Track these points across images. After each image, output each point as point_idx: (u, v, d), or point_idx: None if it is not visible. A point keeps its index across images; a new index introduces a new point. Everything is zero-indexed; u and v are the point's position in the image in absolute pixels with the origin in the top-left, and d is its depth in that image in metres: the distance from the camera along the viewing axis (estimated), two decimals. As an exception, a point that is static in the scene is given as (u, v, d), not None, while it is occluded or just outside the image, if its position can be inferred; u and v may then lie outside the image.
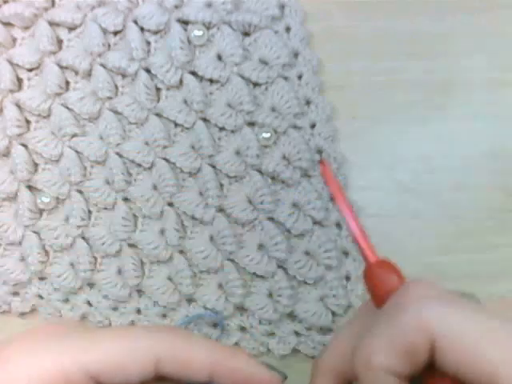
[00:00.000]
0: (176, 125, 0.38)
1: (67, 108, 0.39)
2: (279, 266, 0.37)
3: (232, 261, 0.37)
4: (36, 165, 0.39)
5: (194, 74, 0.38)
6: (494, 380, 0.20)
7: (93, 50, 0.38)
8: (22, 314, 0.39)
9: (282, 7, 0.39)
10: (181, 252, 0.38)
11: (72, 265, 0.39)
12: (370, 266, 0.26)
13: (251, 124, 0.38)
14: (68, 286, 0.38)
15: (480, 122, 0.39)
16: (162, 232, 0.38)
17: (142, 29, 0.38)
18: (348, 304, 0.37)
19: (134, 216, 0.38)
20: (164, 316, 0.38)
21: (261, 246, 0.37)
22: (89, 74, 0.39)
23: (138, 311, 0.38)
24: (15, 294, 0.39)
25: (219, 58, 0.38)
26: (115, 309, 0.38)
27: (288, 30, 0.39)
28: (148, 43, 0.39)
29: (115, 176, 0.38)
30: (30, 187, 0.39)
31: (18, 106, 0.39)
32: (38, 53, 0.39)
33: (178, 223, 0.38)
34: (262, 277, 0.37)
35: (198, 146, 0.38)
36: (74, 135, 0.39)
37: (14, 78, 0.39)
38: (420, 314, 0.22)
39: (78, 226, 0.38)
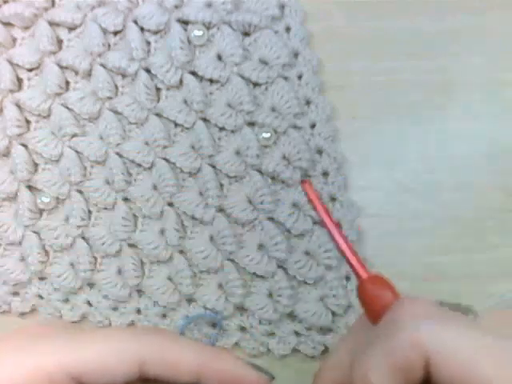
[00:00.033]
0: (176, 125, 0.38)
1: (67, 108, 0.39)
2: (279, 266, 0.37)
3: (232, 261, 0.37)
4: (36, 165, 0.39)
5: (194, 74, 0.38)
6: None
7: (93, 50, 0.38)
8: (22, 314, 0.39)
9: (282, 7, 0.39)
10: (181, 252, 0.38)
11: (72, 265, 0.39)
12: (363, 283, 0.26)
13: (251, 124, 0.38)
14: (68, 286, 0.38)
15: (480, 122, 0.39)
16: (162, 232, 0.38)
17: (142, 29, 0.38)
18: (348, 304, 0.37)
19: (134, 216, 0.38)
20: (164, 316, 0.38)
21: (261, 246, 0.37)
22: (89, 74, 0.39)
23: (138, 311, 0.38)
24: (15, 294, 0.39)
25: (219, 58, 0.38)
26: (115, 309, 0.38)
27: (288, 30, 0.39)
28: (148, 43, 0.39)
29: (115, 176, 0.38)
30: (30, 187, 0.39)
31: (18, 106, 0.39)
32: (38, 53, 0.39)
33: (178, 223, 0.38)
34: (262, 277, 0.37)
35: (198, 146, 0.38)
36: (74, 135, 0.39)
37: (14, 78, 0.39)
38: (414, 332, 0.22)
39: (78, 226, 0.38)
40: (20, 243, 0.39)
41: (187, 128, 0.38)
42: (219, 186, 0.38)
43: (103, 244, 0.38)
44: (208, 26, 0.38)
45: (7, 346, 0.23)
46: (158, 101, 0.39)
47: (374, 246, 0.38)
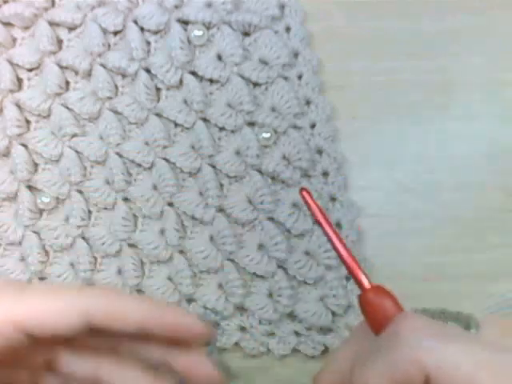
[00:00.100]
0: (176, 125, 0.38)
1: (67, 108, 0.39)
2: (279, 266, 0.37)
3: (232, 261, 0.37)
4: (36, 165, 0.39)
5: (194, 73, 0.38)
6: None
7: (93, 50, 0.38)
8: (22, 314, 0.39)
9: (282, 7, 0.39)
10: (181, 252, 0.38)
11: (72, 265, 0.39)
12: (365, 293, 0.26)
13: (251, 124, 0.38)
14: (68, 286, 0.38)
15: (480, 122, 0.39)
16: (162, 232, 0.38)
17: (142, 29, 0.38)
18: (348, 304, 0.37)
19: (134, 216, 0.38)
20: (164, 316, 0.38)
21: (261, 246, 0.37)
22: (89, 74, 0.39)
23: (138, 311, 0.38)
24: (15, 293, 0.39)
25: (219, 58, 0.38)
26: (115, 309, 0.38)
27: (288, 29, 0.39)
28: (148, 43, 0.39)
29: (115, 176, 0.38)
30: (30, 187, 0.39)
31: (18, 106, 0.39)
32: (38, 53, 0.39)
33: (178, 223, 0.38)
34: (262, 277, 0.37)
35: (198, 146, 0.38)
36: (74, 135, 0.39)
37: (14, 78, 0.39)
38: (415, 348, 0.23)
39: (78, 226, 0.38)
40: (20, 243, 0.39)
41: (187, 128, 0.38)
42: (219, 186, 0.38)
43: (103, 244, 0.38)
44: (208, 26, 0.38)
45: None
46: (158, 101, 0.38)
47: (374, 245, 0.38)
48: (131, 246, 0.38)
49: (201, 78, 0.38)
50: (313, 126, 0.38)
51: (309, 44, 0.39)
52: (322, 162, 0.38)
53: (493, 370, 0.22)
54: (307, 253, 0.37)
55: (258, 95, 0.38)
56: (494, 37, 0.39)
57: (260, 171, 0.37)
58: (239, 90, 0.38)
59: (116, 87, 0.39)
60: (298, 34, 0.38)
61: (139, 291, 0.38)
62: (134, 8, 0.38)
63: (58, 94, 0.39)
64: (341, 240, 0.27)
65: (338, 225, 0.37)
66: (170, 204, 0.38)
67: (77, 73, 0.39)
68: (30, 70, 0.39)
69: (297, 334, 0.37)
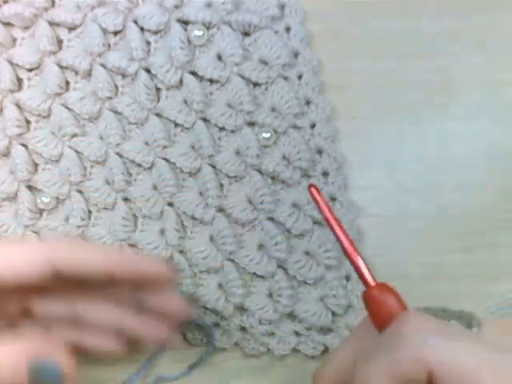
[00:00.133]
0: (176, 125, 0.38)
1: (67, 108, 0.39)
2: (279, 266, 0.37)
3: (232, 261, 0.37)
4: (36, 165, 0.39)
5: (194, 73, 0.38)
6: None
7: (93, 50, 0.38)
8: (22, 314, 0.39)
9: (281, 7, 0.39)
10: (181, 252, 0.38)
11: (72, 265, 0.39)
12: (370, 289, 0.27)
13: (251, 124, 0.38)
14: (68, 286, 0.38)
15: (480, 122, 0.39)
16: (162, 232, 0.38)
17: (142, 29, 0.38)
18: (348, 304, 0.37)
19: (134, 216, 0.38)
20: (164, 316, 0.38)
21: (261, 246, 0.37)
22: (89, 74, 0.39)
23: (138, 311, 0.38)
24: (15, 294, 0.39)
25: (219, 58, 0.38)
26: (115, 309, 0.38)
27: (288, 30, 0.39)
28: (148, 43, 0.39)
29: (115, 176, 0.38)
30: (30, 187, 0.39)
31: (18, 106, 0.39)
32: (38, 53, 0.39)
33: (178, 223, 0.38)
34: (262, 277, 0.37)
35: (198, 146, 0.38)
36: (74, 135, 0.39)
37: (14, 78, 0.39)
38: (418, 347, 0.23)
39: (78, 226, 0.38)
40: (20, 243, 0.39)
41: (187, 128, 0.38)
42: (219, 186, 0.38)
43: (103, 244, 0.38)
44: (208, 26, 0.38)
45: None
46: (158, 101, 0.39)
47: (374, 245, 0.38)
48: (131, 245, 0.38)
49: (201, 78, 0.38)
50: (313, 126, 0.38)
51: (309, 44, 0.39)
52: (322, 162, 0.38)
53: (494, 369, 0.22)
54: (307, 253, 0.37)
55: (258, 95, 0.38)
56: (494, 37, 0.39)
57: (260, 171, 0.38)
58: (239, 90, 0.38)
59: (116, 87, 0.39)
60: (298, 33, 0.38)
61: (139, 291, 0.38)
62: (134, 8, 0.38)
63: (58, 94, 0.39)
64: (347, 237, 0.28)
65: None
66: (170, 204, 0.38)
67: (77, 73, 0.39)
68: (30, 70, 0.39)
69: (297, 333, 0.37)
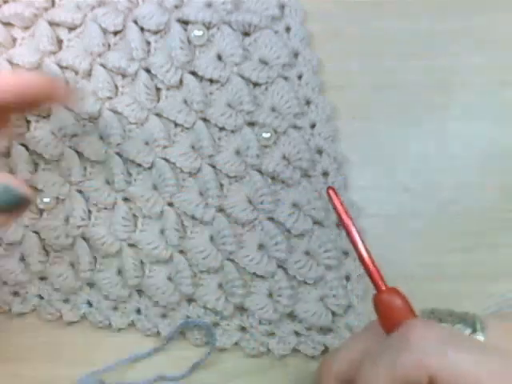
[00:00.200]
0: (176, 125, 0.38)
1: (67, 108, 0.39)
2: (279, 266, 0.37)
3: (232, 261, 0.37)
4: (36, 165, 0.39)
5: (194, 73, 0.38)
6: None
7: (93, 50, 0.38)
8: (22, 314, 0.39)
9: (281, 7, 0.39)
10: (181, 252, 0.38)
11: (72, 265, 0.39)
12: (380, 293, 0.28)
13: (251, 124, 0.38)
14: (68, 286, 0.38)
15: (480, 122, 0.39)
16: (162, 232, 0.38)
17: (142, 29, 0.38)
18: (348, 304, 0.37)
19: (134, 216, 0.38)
20: (164, 316, 0.38)
21: (261, 246, 0.37)
22: (89, 74, 0.39)
23: (138, 311, 0.38)
24: (15, 294, 0.39)
25: (219, 58, 0.38)
26: (115, 309, 0.38)
27: (288, 30, 0.39)
28: (148, 43, 0.39)
29: (115, 176, 0.38)
30: (29, 187, 0.39)
31: (18, 105, 0.39)
32: (38, 53, 0.39)
33: (178, 223, 0.38)
34: (262, 277, 0.37)
35: (198, 146, 0.38)
36: (74, 135, 0.39)
37: (14, 77, 0.39)
38: (422, 354, 0.24)
39: (78, 226, 0.38)
40: (20, 243, 0.39)
41: (187, 128, 0.38)
42: (219, 186, 0.38)
43: (103, 244, 0.38)
44: (208, 26, 0.38)
45: None
46: (158, 101, 0.38)
47: (374, 245, 0.38)
48: (131, 245, 0.38)
49: (201, 78, 0.38)
50: (313, 126, 0.38)
51: (309, 44, 0.39)
52: (322, 162, 0.38)
53: (496, 376, 0.23)
54: (307, 253, 0.37)
55: (258, 95, 0.38)
56: (494, 37, 0.39)
57: (260, 171, 0.38)
58: (239, 90, 0.38)
59: (116, 87, 0.39)
60: (298, 34, 0.38)
61: (139, 291, 0.38)
62: (134, 8, 0.38)
63: (58, 94, 0.39)
64: (363, 241, 0.29)
65: (338, 225, 0.37)
66: (170, 204, 0.38)
67: (77, 73, 0.39)
68: (30, 70, 0.39)
69: (297, 333, 0.37)
